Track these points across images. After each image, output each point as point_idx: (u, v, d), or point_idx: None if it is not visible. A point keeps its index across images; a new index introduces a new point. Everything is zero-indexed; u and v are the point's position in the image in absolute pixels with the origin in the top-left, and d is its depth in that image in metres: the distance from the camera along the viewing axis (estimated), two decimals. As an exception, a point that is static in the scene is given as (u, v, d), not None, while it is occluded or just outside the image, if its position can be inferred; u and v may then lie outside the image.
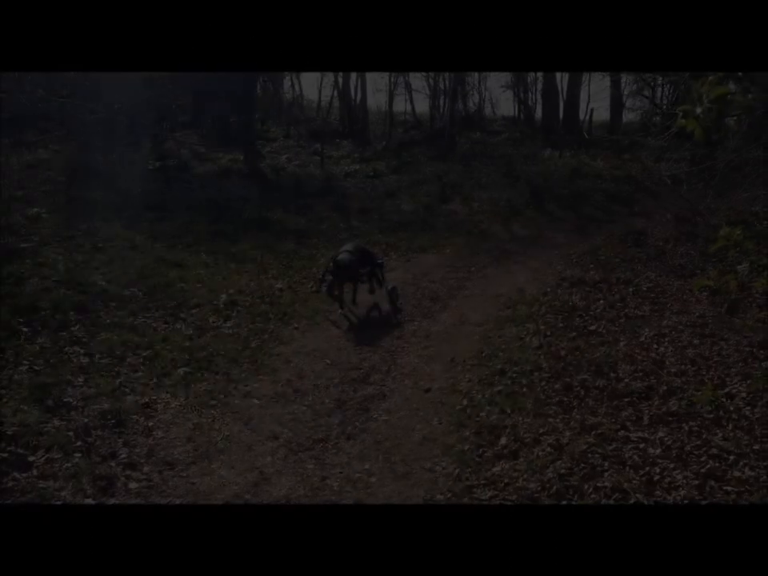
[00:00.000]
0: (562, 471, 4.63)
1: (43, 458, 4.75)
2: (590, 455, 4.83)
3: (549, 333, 7.61)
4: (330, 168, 19.46)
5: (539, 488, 4.49)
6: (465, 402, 6.09)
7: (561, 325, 7.89)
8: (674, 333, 7.39)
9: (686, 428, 5.20)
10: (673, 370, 6.27)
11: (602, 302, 8.74)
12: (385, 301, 8.87)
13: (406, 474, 4.95)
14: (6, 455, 4.67)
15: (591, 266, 10.95)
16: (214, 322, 8.01)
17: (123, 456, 5.00)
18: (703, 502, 2.70)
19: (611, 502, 4.22)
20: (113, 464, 4.87)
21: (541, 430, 5.30)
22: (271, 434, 5.53)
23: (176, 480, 4.78)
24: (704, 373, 6.19)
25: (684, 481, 4.50)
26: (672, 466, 4.70)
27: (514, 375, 6.50)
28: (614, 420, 5.40)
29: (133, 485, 4.67)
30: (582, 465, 4.72)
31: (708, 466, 4.63)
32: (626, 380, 6.11)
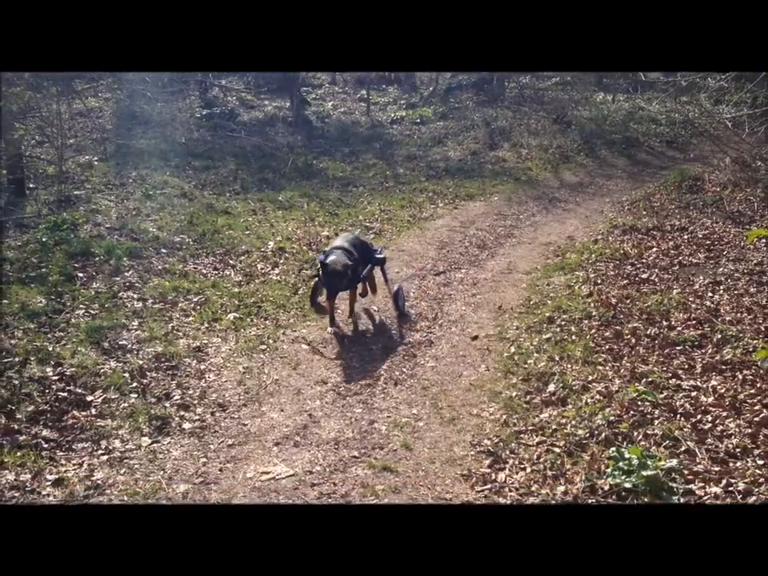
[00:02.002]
0: (611, 418, 4.59)
1: (101, 398, 4.91)
2: (639, 403, 4.77)
3: (599, 281, 7.48)
4: (376, 115, 19.22)
5: (587, 435, 4.47)
6: (512, 350, 6.06)
7: (612, 273, 7.74)
8: (729, 281, 7.19)
9: (740, 377, 5.08)
10: (728, 319, 6.11)
11: (654, 249, 8.53)
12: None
13: (453, 419, 4.97)
14: (65, 395, 4.84)
15: (644, 213, 10.68)
16: (262, 269, 8.09)
17: (177, 397, 5.13)
18: (705, 502, 2.65)
19: (662, 449, 4.18)
20: (167, 405, 5.01)
21: (590, 378, 5.25)
22: (319, 379, 5.60)
23: (228, 421, 4.90)
24: (760, 321, 6.02)
25: (737, 429, 4.43)
26: (725, 414, 4.62)
27: (563, 323, 6.43)
28: (665, 368, 5.31)
29: (187, 425, 4.80)
30: (632, 412, 4.66)
31: (762, 414, 4.53)
32: (679, 328, 5.99)
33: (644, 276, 7.52)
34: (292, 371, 5.73)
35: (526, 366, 5.67)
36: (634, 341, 5.84)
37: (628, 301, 6.71)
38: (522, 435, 4.65)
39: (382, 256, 7.00)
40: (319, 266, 6.25)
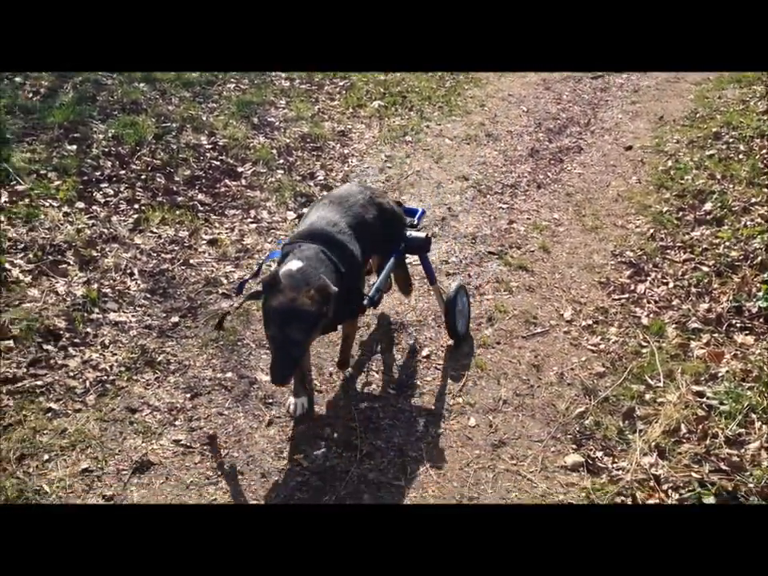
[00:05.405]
0: (771, 244, 4.28)
1: (250, 171, 5.07)
2: (806, 231, 4.39)
3: (780, 97, 6.69)
4: None
5: (741, 257, 4.20)
6: (669, 164, 5.67)
7: (797, 90, 6.88)
8: None
9: None
10: None
11: None
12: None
13: (596, 227, 4.81)
14: (218, 163, 5.03)
15: None
16: (409, 58, 7.78)
17: (320, 178, 5.22)
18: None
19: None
20: (311, 183, 5.12)
21: (753, 200, 4.84)
22: (461, 175, 5.50)
23: (368, 206, 4.96)
24: None
25: None
26: None
27: (731, 140, 5.88)
28: (843, 198, 4.81)
29: (329, 205, 4.91)
30: (796, 239, 4.32)
31: None
32: None
33: (836, 96, 6.64)
34: (434, 164, 5.66)
35: (683, 181, 5.30)
36: (811, 166, 5.29)
37: (812, 122, 6.00)
38: (668, 251, 4.45)
39: (421, 236, 3.43)
40: (260, 284, 2.66)
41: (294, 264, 2.62)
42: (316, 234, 2.81)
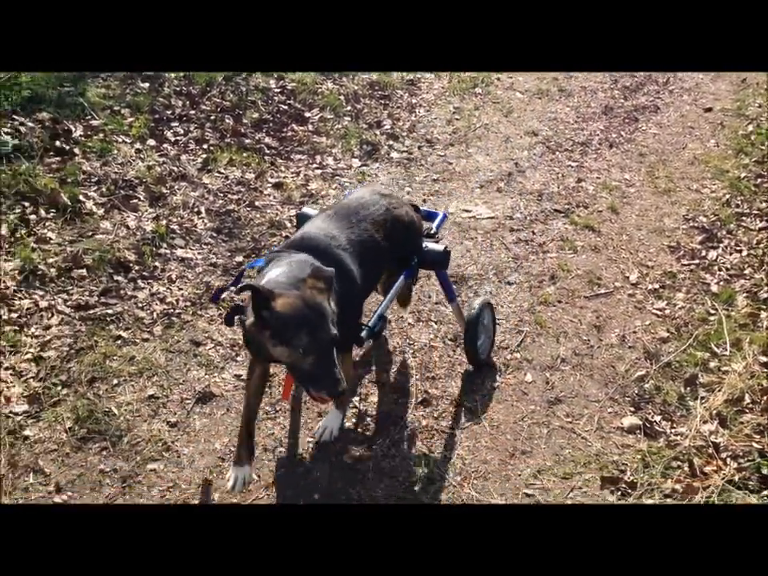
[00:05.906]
0: None
1: (317, 116, 5.05)
2: None
3: None
4: None
5: (822, 229, 4.04)
6: (750, 128, 5.43)
7: None
8: None
9: None
10: None
11: None
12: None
13: (669, 190, 4.66)
14: (285, 107, 5.03)
15: None
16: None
17: (387, 127, 5.17)
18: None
19: None
20: (377, 132, 5.08)
21: (839, 170, 4.63)
22: (530, 130, 5.38)
23: (434, 157, 4.91)
24: None
25: None
26: None
27: (819, 106, 5.59)
28: None
29: (395, 154, 4.87)
30: None
31: None
32: None
33: None
34: (503, 118, 5.54)
35: (763, 147, 5.07)
36: None
37: None
38: (743, 218, 4.29)
39: (439, 248, 2.86)
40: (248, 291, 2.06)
41: (273, 272, 2.16)
42: (307, 244, 2.33)
